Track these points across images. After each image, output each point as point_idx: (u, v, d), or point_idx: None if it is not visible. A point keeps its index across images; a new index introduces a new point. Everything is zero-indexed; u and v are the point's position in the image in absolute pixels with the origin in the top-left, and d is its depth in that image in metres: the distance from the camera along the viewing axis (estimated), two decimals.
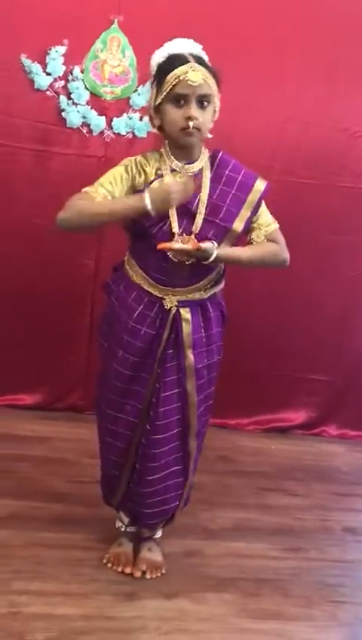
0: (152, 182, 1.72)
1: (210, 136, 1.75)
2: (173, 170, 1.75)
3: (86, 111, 2.57)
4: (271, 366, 3.03)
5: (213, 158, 1.79)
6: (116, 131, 2.62)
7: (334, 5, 2.66)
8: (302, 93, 2.71)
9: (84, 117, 2.57)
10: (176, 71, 1.64)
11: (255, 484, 2.62)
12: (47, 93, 2.52)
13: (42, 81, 2.50)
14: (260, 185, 1.80)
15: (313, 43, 2.66)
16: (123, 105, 2.60)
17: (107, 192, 1.71)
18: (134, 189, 1.74)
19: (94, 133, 2.61)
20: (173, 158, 1.76)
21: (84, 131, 2.60)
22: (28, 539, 2.03)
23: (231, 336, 2.93)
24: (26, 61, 2.47)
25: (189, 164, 1.76)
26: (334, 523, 2.45)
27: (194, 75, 1.63)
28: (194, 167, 1.76)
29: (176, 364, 1.84)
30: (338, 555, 2.25)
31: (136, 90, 2.58)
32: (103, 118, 2.59)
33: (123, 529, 2.05)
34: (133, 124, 2.61)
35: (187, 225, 1.73)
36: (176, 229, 1.72)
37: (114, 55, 2.54)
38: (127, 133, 2.63)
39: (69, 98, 2.54)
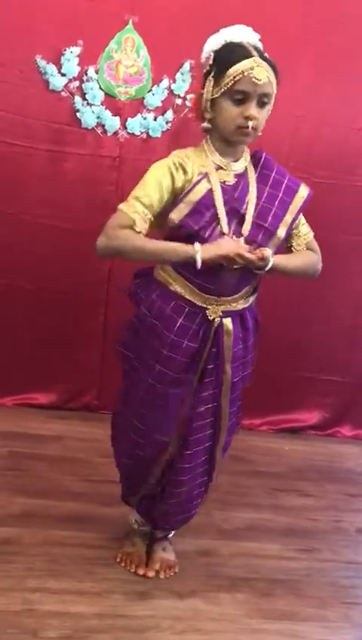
0: (198, 183, 1.62)
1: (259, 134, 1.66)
2: (218, 168, 1.65)
3: (100, 111, 2.57)
4: (284, 366, 3.02)
5: (255, 158, 1.71)
6: (130, 131, 2.62)
7: (347, 3, 2.65)
8: (315, 93, 2.70)
9: (98, 117, 2.58)
10: (239, 65, 1.52)
11: (268, 485, 2.61)
12: (62, 93, 2.53)
13: (57, 81, 2.51)
14: (304, 191, 1.73)
15: (325, 42, 2.65)
16: (137, 105, 2.60)
17: (145, 207, 1.58)
18: (176, 193, 1.62)
19: (108, 134, 2.62)
20: (217, 154, 1.66)
21: (99, 132, 2.61)
22: (41, 537, 2.05)
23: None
24: (41, 62, 2.48)
25: (233, 162, 1.67)
26: (347, 524, 2.44)
27: (260, 73, 1.53)
28: (239, 165, 1.68)
29: (213, 378, 1.76)
30: (352, 556, 2.25)
31: (150, 90, 2.58)
32: (118, 118, 2.60)
33: (137, 527, 2.05)
34: (148, 124, 2.61)
35: (236, 228, 1.64)
36: (225, 229, 1.63)
37: (128, 55, 2.54)
38: (142, 133, 2.63)
39: (84, 99, 2.55)
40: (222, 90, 1.55)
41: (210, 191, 1.62)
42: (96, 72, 2.53)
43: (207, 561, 2.09)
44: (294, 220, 1.71)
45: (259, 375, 2.99)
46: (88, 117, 2.57)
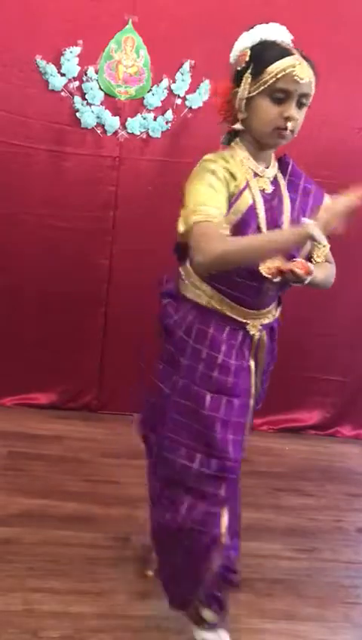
0: (244, 190, 1.49)
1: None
2: (255, 175, 1.52)
3: (100, 111, 2.57)
4: (285, 366, 3.00)
5: (282, 164, 1.60)
6: (130, 131, 2.62)
7: (348, 3, 2.65)
8: (316, 93, 2.69)
9: (98, 117, 2.58)
10: (281, 63, 1.42)
11: (269, 485, 2.61)
12: (62, 93, 2.53)
13: (57, 81, 2.51)
14: (327, 199, 1.59)
15: (326, 43, 2.64)
16: (137, 105, 2.60)
17: (218, 209, 1.44)
18: (229, 199, 1.48)
19: (108, 134, 2.62)
20: (252, 159, 1.53)
21: (99, 132, 2.61)
22: (42, 537, 2.05)
23: None
24: (41, 62, 2.48)
25: (266, 168, 1.55)
26: (348, 524, 2.44)
27: (302, 71, 1.43)
28: (272, 172, 1.56)
29: (251, 391, 1.65)
30: (352, 556, 2.25)
31: (150, 90, 2.58)
32: (117, 118, 2.60)
33: (214, 625, 1.70)
34: (147, 124, 2.61)
35: None
36: None
37: (128, 55, 2.54)
38: (141, 133, 2.63)
39: (84, 99, 2.55)
40: (261, 88, 1.44)
41: (254, 200, 1.50)
42: (96, 72, 2.53)
43: None
44: None
45: None
46: (88, 117, 2.57)
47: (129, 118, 2.60)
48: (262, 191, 1.53)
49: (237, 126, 1.53)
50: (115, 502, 2.09)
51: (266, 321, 1.62)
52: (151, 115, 2.61)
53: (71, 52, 2.48)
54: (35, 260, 2.74)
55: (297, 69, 1.42)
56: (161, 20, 2.51)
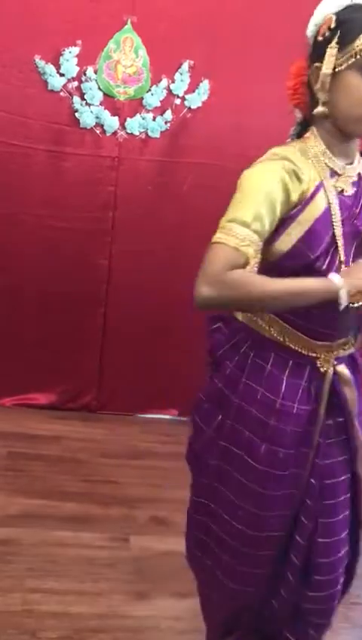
0: (314, 195, 1.19)
1: None
2: (333, 174, 1.22)
3: (99, 111, 2.57)
4: None
5: None
6: (129, 132, 2.62)
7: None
8: None
9: (97, 117, 2.58)
10: None
11: None
12: (61, 94, 2.53)
13: (56, 82, 2.51)
14: None
15: None
16: (136, 105, 2.60)
17: (255, 233, 1.14)
18: (288, 209, 1.18)
19: (107, 134, 2.62)
20: (329, 153, 1.23)
21: (98, 132, 2.61)
22: (41, 537, 2.04)
23: None
24: (40, 62, 2.48)
25: (349, 165, 1.25)
26: None
27: None
28: (353, 170, 1.25)
29: (340, 441, 1.32)
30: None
31: (149, 90, 2.58)
32: (116, 118, 2.60)
33: None
34: (147, 124, 2.61)
35: (356, 253, 1.26)
36: (343, 256, 1.22)
37: (127, 55, 2.54)
38: (140, 133, 2.63)
39: (83, 99, 2.55)
40: (352, 60, 1.15)
41: (329, 205, 1.20)
42: (95, 72, 2.54)
43: None
44: None
45: None
46: (87, 117, 2.57)
47: (128, 118, 2.60)
48: (341, 193, 1.23)
49: (319, 109, 1.20)
50: (114, 502, 2.09)
51: (342, 353, 1.30)
52: (151, 115, 2.61)
53: (70, 52, 2.48)
54: (34, 260, 2.73)
55: None
56: (159, 21, 2.51)
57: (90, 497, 2.29)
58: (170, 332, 2.81)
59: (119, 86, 2.57)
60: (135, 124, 2.61)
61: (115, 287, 2.79)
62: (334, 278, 1.16)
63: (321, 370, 1.27)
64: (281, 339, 1.26)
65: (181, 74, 2.57)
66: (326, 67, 1.17)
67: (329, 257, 1.21)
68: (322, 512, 1.32)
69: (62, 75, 2.51)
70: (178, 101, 2.60)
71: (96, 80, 2.54)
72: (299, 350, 1.26)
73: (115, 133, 2.62)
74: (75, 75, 2.52)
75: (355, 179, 1.25)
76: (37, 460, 2.49)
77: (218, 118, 2.64)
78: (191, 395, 3.25)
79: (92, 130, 2.60)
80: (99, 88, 2.55)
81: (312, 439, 1.28)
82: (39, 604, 1.79)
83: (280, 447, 1.26)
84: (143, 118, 2.61)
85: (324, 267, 1.20)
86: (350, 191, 1.24)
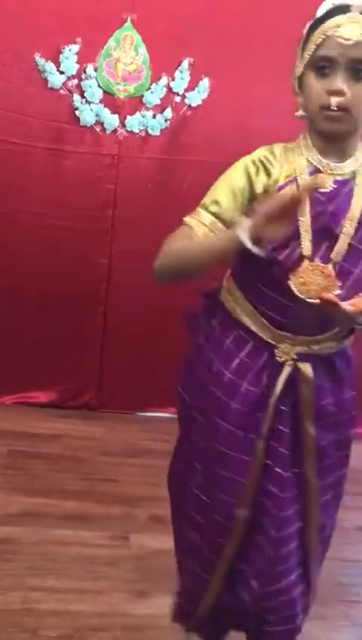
0: (281, 189, 1.23)
1: None
2: (315, 171, 1.24)
3: (99, 109, 2.57)
4: None
5: None
6: (129, 129, 2.62)
7: None
8: None
9: (97, 115, 2.58)
10: (325, 24, 1.14)
11: None
12: (61, 91, 2.53)
13: (56, 79, 2.50)
14: None
15: None
16: (136, 103, 2.60)
17: (213, 215, 1.22)
18: (254, 200, 1.24)
19: (107, 132, 2.61)
20: (315, 151, 1.24)
21: (98, 130, 2.60)
22: (41, 536, 2.04)
23: None
24: (40, 60, 2.48)
25: (338, 163, 1.24)
26: (348, 522, 2.43)
27: (350, 30, 1.12)
28: (346, 168, 1.24)
29: (292, 439, 1.32)
30: (352, 555, 2.24)
31: (149, 88, 2.58)
32: (116, 116, 2.59)
33: None
34: (147, 122, 2.61)
35: (326, 251, 1.23)
36: (308, 252, 1.22)
37: (127, 53, 2.54)
38: (140, 131, 2.63)
39: (83, 97, 2.55)
40: (306, 61, 1.18)
41: None
42: (95, 69, 2.53)
43: None
44: None
45: None
46: (87, 115, 2.56)
47: (128, 116, 2.60)
48: (316, 190, 1.23)
49: (298, 114, 1.26)
50: (114, 500, 2.09)
51: (311, 351, 1.30)
52: (151, 113, 2.61)
53: (70, 50, 2.48)
54: (34, 259, 2.73)
55: (342, 28, 1.12)
56: (159, 18, 2.51)
57: (90, 496, 2.29)
58: (169, 331, 2.80)
59: (119, 84, 2.57)
60: (135, 122, 2.60)
61: (115, 286, 2.79)
62: (239, 223, 1.14)
63: (279, 359, 1.29)
64: (247, 321, 1.30)
65: (181, 72, 2.57)
66: (294, 72, 1.23)
67: (288, 250, 1.21)
68: (274, 504, 1.33)
69: (62, 72, 2.51)
70: (178, 99, 2.60)
71: (96, 78, 2.54)
72: (260, 335, 1.29)
73: (114, 131, 2.62)
74: (74, 72, 2.52)
75: (345, 177, 1.24)
76: (37, 458, 2.49)
77: (218, 116, 2.64)
78: None
79: (92, 128, 2.60)
80: (99, 86, 2.55)
81: (260, 426, 1.29)
82: (39, 602, 1.79)
83: (223, 422, 1.30)
84: (143, 116, 2.60)
85: (281, 258, 1.21)
86: (328, 188, 1.23)
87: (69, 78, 2.53)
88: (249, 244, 1.09)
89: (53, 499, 2.24)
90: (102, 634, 1.72)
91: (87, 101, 2.56)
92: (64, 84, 2.52)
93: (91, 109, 2.57)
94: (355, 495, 2.64)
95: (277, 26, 2.60)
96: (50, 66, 2.49)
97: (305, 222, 1.22)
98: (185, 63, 2.56)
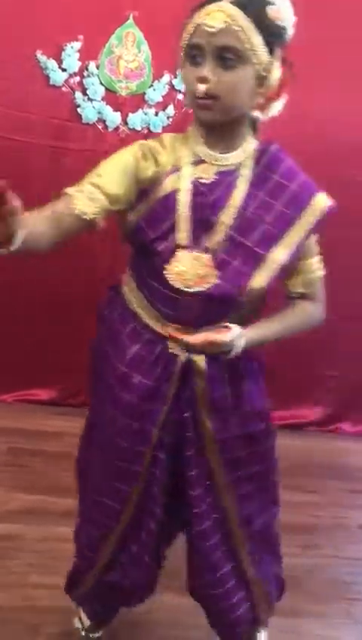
0: (165, 178, 1.25)
1: (257, 115, 1.25)
2: (200, 162, 1.24)
3: (101, 107, 2.56)
4: (285, 362, 3.01)
5: (260, 153, 1.26)
6: (131, 127, 2.61)
7: None
8: (319, 89, 2.68)
9: (99, 113, 2.57)
10: (196, 14, 1.16)
11: None
12: (63, 89, 2.53)
13: (57, 77, 2.50)
14: (320, 202, 1.26)
15: (329, 38, 2.63)
16: (138, 100, 2.59)
17: (92, 185, 1.22)
18: (141, 185, 1.25)
19: (109, 129, 2.61)
20: (201, 141, 1.25)
21: (100, 127, 2.60)
22: (42, 533, 2.04)
23: None
24: (42, 57, 2.47)
25: (224, 154, 1.24)
26: (350, 520, 2.44)
27: (213, 18, 1.12)
28: (232, 159, 1.24)
29: (192, 432, 1.34)
30: (354, 553, 2.24)
31: (151, 85, 2.57)
32: (118, 113, 2.59)
33: (83, 633, 1.67)
34: (149, 119, 2.61)
35: (205, 240, 1.24)
36: (184, 241, 1.23)
37: (129, 50, 2.53)
38: (143, 128, 2.62)
39: (85, 94, 2.54)
40: (182, 50, 1.20)
41: (176, 190, 1.24)
42: (97, 67, 2.53)
43: None
44: (301, 244, 1.25)
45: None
46: (89, 112, 2.56)
47: (130, 114, 2.59)
48: (197, 180, 1.24)
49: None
50: None
51: None
52: (153, 110, 2.60)
53: (72, 47, 2.47)
54: (36, 257, 2.72)
55: (209, 16, 1.12)
56: (161, 15, 2.50)
57: None
58: None
59: (121, 81, 2.57)
60: (137, 120, 2.60)
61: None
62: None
63: (171, 351, 1.28)
64: (141, 313, 1.31)
65: None
66: (178, 65, 1.23)
67: (167, 241, 1.23)
68: (192, 505, 1.37)
69: (63, 70, 2.50)
70: (180, 96, 2.59)
71: (98, 75, 2.53)
72: (153, 327, 1.30)
73: (117, 128, 2.61)
74: (76, 70, 2.51)
75: (229, 168, 1.24)
76: (38, 455, 2.49)
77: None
78: None
79: (94, 126, 2.60)
80: (101, 83, 2.55)
81: (156, 417, 1.30)
82: (41, 599, 1.79)
83: (118, 413, 1.32)
84: (145, 114, 2.60)
85: (160, 249, 1.23)
86: (210, 179, 1.24)
87: (70, 76, 2.52)
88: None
89: (54, 496, 2.24)
90: (105, 631, 1.72)
91: (89, 98, 2.55)
92: (66, 81, 2.52)
93: (93, 107, 2.56)
94: (357, 493, 2.65)
95: None
96: (51, 63, 2.48)
97: (182, 212, 1.23)
98: None
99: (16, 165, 2.61)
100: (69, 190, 1.24)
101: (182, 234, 1.23)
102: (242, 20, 1.12)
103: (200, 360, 1.29)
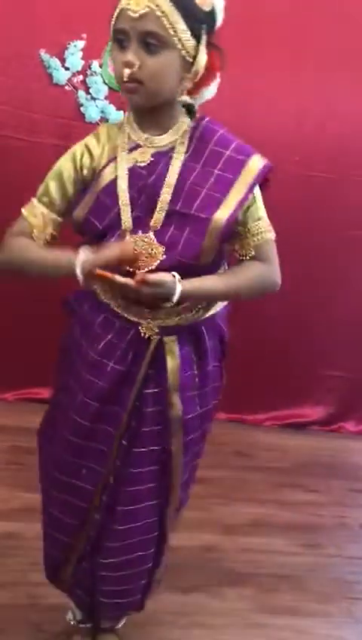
0: (103, 169, 1.29)
1: (185, 99, 1.29)
2: (135, 147, 1.28)
3: (104, 105, 2.56)
4: (288, 361, 3.01)
5: (193, 129, 1.30)
6: None
7: None
8: (320, 87, 2.68)
9: (102, 112, 2.57)
10: (122, 0, 1.18)
11: (272, 480, 2.60)
12: (66, 87, 2.53)
13: (61, 75, 2.50)
14: (256, 162, 1.28)
15: (330, 36, 2.63)
16: None
17: (46, 206, 1.32)
18: (85, 185, 1.31)
19: None
20: (136, 127, 1.29)
21: None
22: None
23: (248, 332, 2.93)
24: (45, 56, 2.47)
25: (157, 136, 1.28)
26: (352, 520, 2.44)
27: (136, 3, 1.14)
28: (162, 140, 1.28)
29: (156, 411, 1.36)
30: (356, 552, 2.24)
31: None
32: (122, 112, 2.58)
33: (74, 624, 1.66)
34: None
35: (148, 220, 1.26)
36: (128, 225, 1.26)
37: None
38: None
39: (88, 93, 2.54)
40: (110, 35, 1.24)
41: (116, 177, 1.28)
42: (100, 66, 2.52)
43: (210, 557, 2.09)
44: (242, 202, 1.26)
45: (263, 370, 3.02)
46: (92, 111, 2.56)
47: None
48: (135, 165, 1.27)
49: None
50: None
51: (169, 323, 1.32)
52: None
53: (75, 46, 2.47)
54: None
55: (133, 1, 1.15)
56: None
57: None
58: None
59: None
60: None
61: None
62: (80, 255, 1.22)
63: (144, 335, 1.32)
64: (111, 302, 1.34)
65: None
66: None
67: (114, 229, 1.27)
68: (123, 485, 1.39)
69: (67, 68, 2.50)
70: None
71: (101, 74, 2.53)
72: (125, 315, 1.32)
73: None
74: (80, 68, 2.51)
75: (162, 149, 1.28)
76: None
77: (221, 112, 2.62)
78: None
79: (97, 125, 2.59)
80: (104, 82, 2.54)
81: (126, 400, 1.34)
82: (44, 597, 1.79)
83: (89, 400, 1.34)
84: None
85: (109, 237, 1.27)
86: (146, 161, 1.27)
87: (74, 74, 2.52)
88: (80, 278, 1.20)
89: None
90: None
91: (92, 97, 2.55)
92: (69, 80, 2.52)
93: (96, 106, 2.56)
94: (359, 493, 2.65)
95: (281, 21, 2.60)
96: (55, 62, 2.48)
97: (122, 198, 1.27)
98: None
99: (19, 164, 2.61)
100: (25, 214, 1.34)
101: (127, 219, 1.26)
102: (166, 6, 1.14)
103: (171, 340, 1.33)
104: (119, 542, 1.42)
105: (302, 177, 2.73)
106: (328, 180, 2.77)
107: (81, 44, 2.48)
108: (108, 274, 1.19)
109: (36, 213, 1.33)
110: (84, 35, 2.47)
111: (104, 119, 2.58)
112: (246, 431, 2.97)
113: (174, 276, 1.23)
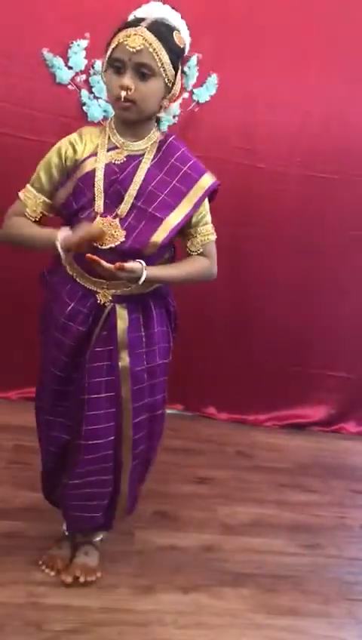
0: (83, 161, 1.62)
1: (164, 116, 1.66)
2: (113, 148, 1.62)
3: (107, 105, 2.56)
4: (290, 362, 3.02)
5: (162, 142, 1.65)
6: None
7: None
8: (323, 88, 2.68)
9: (105, 111, 2.57)
10: (119, 34, 1.52)
11: (273, 480, 2.61)
12: (69, 87, 2.53)
13: (64, 75, 2.50)
14: (206, 180, 1.65)
15: (333, 37, 2.63)
16: None
17: (37, 190, 1.66)
18: (68, 172, 1.64)
19: None
20: (115, 132, 1.63)
21: None
22: (46, 531, 2.04)
23: (250, 332, 2.94)
24: (48, 55, 2.47)
25: (133, 142, 1.63)
26: (352, 520, 2.44)
27: (134, 40, 1.49)
28: (138, 146, 1.63)
29: (107, 364, 1.70)
30: (356, 553, 2.24)
31: None
32: None
33: (66, 533, 1.98)
34: None
35: (114, 208, 1.60)
36: (100, 209, 1.60)
37: None
38: None
39: (91, 92, 2.54)
40: (106, 61, 1.55)
41: (94, 170, 1.60)
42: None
43: (211, 557, 2.09)
44: (193, 211, 1.63)
45: (264, 371, 3.02)
46: (95, 110, 2.56)
47: None
48: (111, 162, 1.61)
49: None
50: None
51: (122, 292, 1.66)
52: None
53: (78, 45, 2.47)
54: (39, 255, 2.72)
55: (130, 38, 1.49)
56: None
57: None
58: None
59: None
60: None
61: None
62: (60, 232, 1.57)
63: (100, 302, 1.66)
64: (74, 275, 1.68)
65: (189, 68, 2.56)
66: (101, 68, 1.61)
67: (89, 210, 1.60)
68: (84, 423, 1.72)
69: (70, 68, 2.50)
70: (186, 95, 2.59)
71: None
72: (85, 285, 1.67)
73: None
74: (83, 68, 2.51)
75: (134, 153, 1.62)
76: None
77: (226, 113, 2.63)
78: (196, 390, 3.28)
79: (100, 124, 2.59)
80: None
81: (86, 352, 1.69)
82: (44, 596, 1.80)
83: (61, 355, 1.71)
84: None
85: (83, 216, 1.60)
86: (120, 160, 1.62)
87: (77, 74, 2.52)
88: (61, 252, 1.56)
89: None
90: (107, 629, 1.73)
91: (95, 96, 2.55)
92: (72, 79, 2.52)
93: (99, 105, 2.56)
94: (359, 493, 2.65)
95: (285, 22, 2.60)
96: (58, 61, 2.48)
97: (98, 187, 1.60)
98: (194, 59, 2.55)
99: (21, 163, 2.58)
100: (22, 196, 1.68)
101: (98, 203, 1.60)
102: (156, 43, 1.50)
103: (121, 306, 1.67)
104: (81, 468, 1.76)
105: (304, 178, 2.74)
106: (329, 180, 2.77)
107: (84, 43, 2.48)
108: (96, 257, 1.50)
109: (29, 196, 1.67)
110: (87, 35, 2.47)
111: (106, 118, 2.58)
112: (246, 431, 2.98)
113: (142, 264, 1.56)
